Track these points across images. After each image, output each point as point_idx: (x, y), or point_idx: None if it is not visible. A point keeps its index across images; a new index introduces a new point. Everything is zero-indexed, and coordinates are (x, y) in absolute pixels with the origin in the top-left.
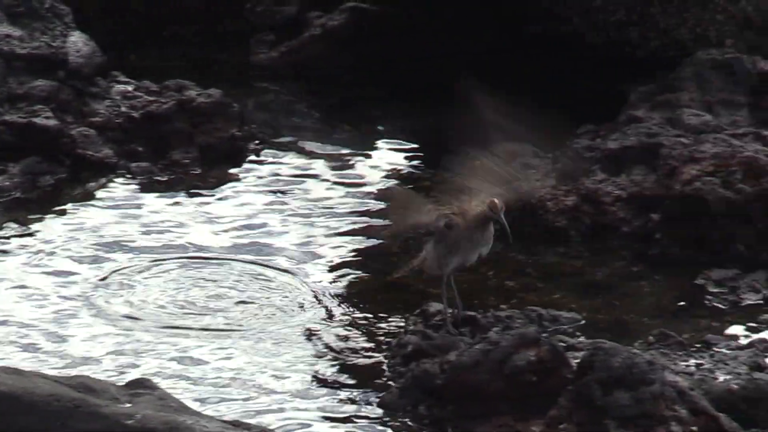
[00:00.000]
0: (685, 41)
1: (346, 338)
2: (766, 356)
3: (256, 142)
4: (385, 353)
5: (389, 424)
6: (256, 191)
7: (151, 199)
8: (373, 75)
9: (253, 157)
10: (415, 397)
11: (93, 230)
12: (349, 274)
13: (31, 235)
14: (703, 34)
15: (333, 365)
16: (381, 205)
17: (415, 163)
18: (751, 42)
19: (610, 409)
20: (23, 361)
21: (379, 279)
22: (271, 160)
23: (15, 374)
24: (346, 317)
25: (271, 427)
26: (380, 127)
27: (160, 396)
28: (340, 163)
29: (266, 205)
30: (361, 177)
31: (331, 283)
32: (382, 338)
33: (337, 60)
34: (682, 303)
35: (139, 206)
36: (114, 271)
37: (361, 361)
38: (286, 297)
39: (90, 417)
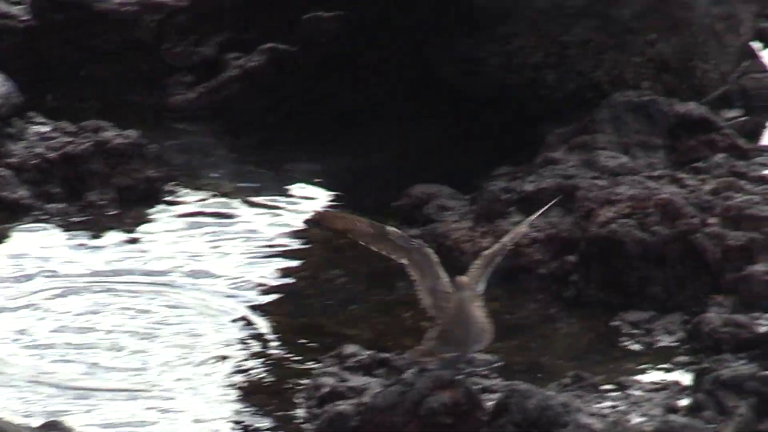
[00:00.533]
0: (602, 83)
1: (260, 379)
2: (680, 398)
3: (173, 183)
4: (300, 395)
5: None
6: (173, 233)
7: (65, 240)
8: (290, 116)
9: (170, 198)
10: None
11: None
12: (264, 315)
13: None
14: (620, 76)
15: (248, 407)
16: (298, 247)
17: (331, 203)
18: (668, 84)
19: None
20: None
21: (295, 320)
22: (188, 201)
23: None
24: (262, 359)
25: None
26: (297, 168)
27: None
28: (257, 205)
29: (182, 246)
30: (278, 219)
31: (246, 324)
32: (297, 380)
33: (254, 101)
34: (597, 345)
35: (52, 248)
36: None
37: (277, 402)
38: (201, 339)
39: None
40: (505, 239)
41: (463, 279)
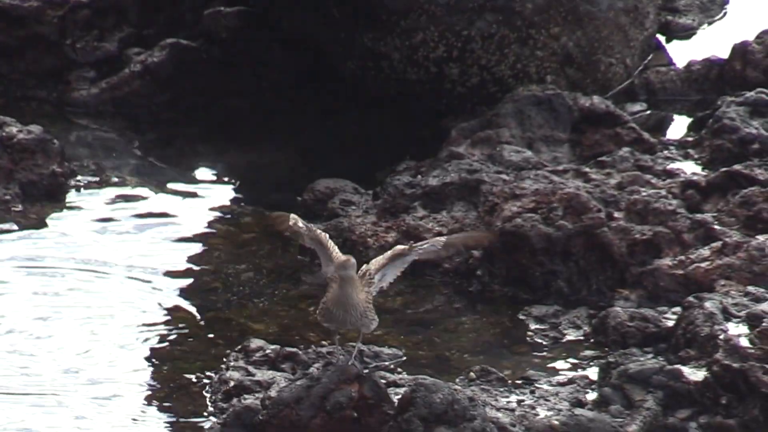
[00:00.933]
0: (505, 77)
1: (166, 373)
2: (587, 392)
3: (77, 178)
4: (206, 389)
5: None
6: (78, 228)
7: None
8: (192, 112)
9: (74, 194)
10: None
11: None
12: (170, 310)
13: None
14: (524, 71)
15: (153, 402)
16: (202, 242)
17: (235, 198)
18: (572, 78)
19: None
20: None
21: (200, 314)
22: (92, 196)
23: None
24: (167, 353)
25: None
26: (200, 164)
27: None
28: (160, 199)
29: (87, 241)
30: (181, 213)
31: (151, 319)
32: (203, 374)
33: (156, 97)
34: (503, 339)
35: None
36: None
37: (182, 397)
38: (102, 334)
39: None
40: (420, 244)
41: (347, 258)
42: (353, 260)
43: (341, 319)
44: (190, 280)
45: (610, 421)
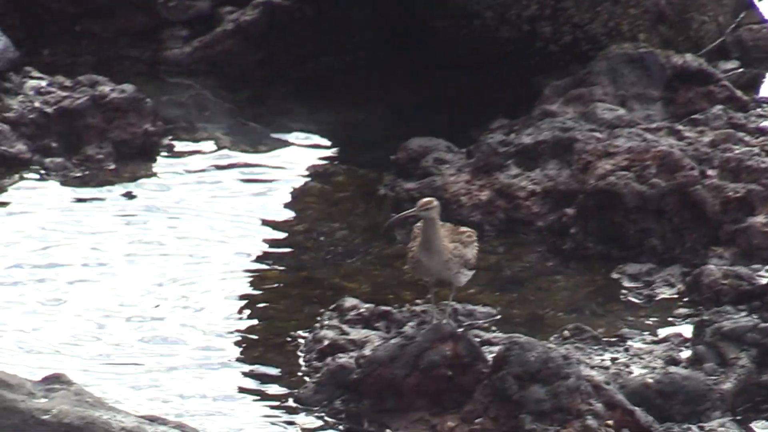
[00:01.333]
0: (598, 36)
1: (260, 333)
2: (680, 350)
3: (170, 137)
4: (300, 348)
5: (305, 419)
6: (170, 186)
7: (65, 195)
8: (284, 70)
9: (166, 153)
10: (330, 392)
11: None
12: (264, 269)
13: None
14: (617, 29)
15: (248, 362)
16: (295, 201)
17: (327, 157)
18: (665, 36)
19: (526, 404)
20: None
21: (294, 274)
22: (184, 154)
23: None
24: (261, 312)
25: (186, 423)
26: (292, 122)
27: (77, 391)
28: (253, 158)
29: (180, 200)
30: (274, 172)
31: (245, 278)
32: (297, 333)
33: (249, 55)
34: (597, 298)
35: (53, 202)
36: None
37: (276, 356)
38: (201, 292)
39: (5, 412)
40: None
41: (428, 200)
42: (435, 201)
43: (426, 266)
44: (284, 239)
45: (704, 379)
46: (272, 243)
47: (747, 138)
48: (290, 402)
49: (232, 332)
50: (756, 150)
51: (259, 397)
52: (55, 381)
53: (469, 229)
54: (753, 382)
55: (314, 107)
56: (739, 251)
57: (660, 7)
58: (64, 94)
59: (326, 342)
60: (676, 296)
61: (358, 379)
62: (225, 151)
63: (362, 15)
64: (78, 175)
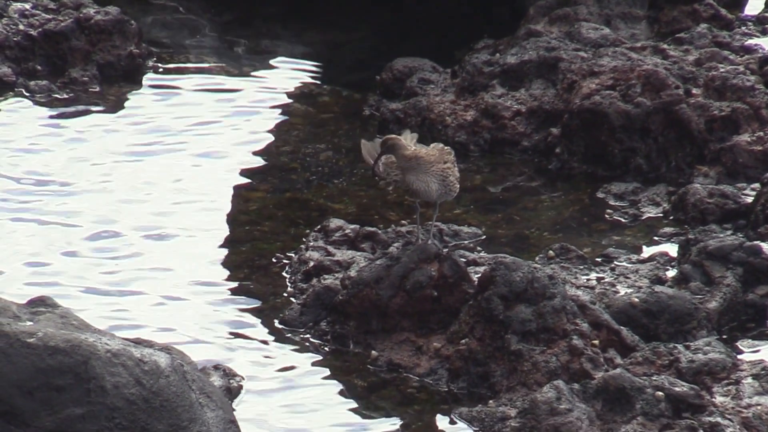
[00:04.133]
0: None
1: (245, 255)
2: (666, 269)
3: (154, 59)
4: (285, 270)
5: (291, 340)
6: (155, 109)
7: (50, 117)
8: None
9: (151, 75)
10: (316, 313)
11: None
12: (248, 191)
13: None
14: None
15: (233, 282)
16: (280, 122)
17: (312, 78)
18: None
19: (512, 324)
20: None
21: (279, 195)
22: (169, 77)
23: None
24: (246, 234)
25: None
26: (278, 44)
27: (62, 314)
28: (238, 80)
29: (164, 122)
30: (259, 94)
31: (229, 199)
32: (282, 255)
33: None
34: (582, 217)
35: (37, 124)
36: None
37: (262, 278)
38: (186, 215)
39: None
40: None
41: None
42: (393, 137)
43: (425, 191)
44: (269, 160)
45: (690, 298)
46: (257, 164)
47: (732, 56)
48: (276, 323)
49: (217, 255)
50: (741, 68)
51: (244, 320)
52: (40, 304)
53: (448, 148)
54: (738, 301)
55: (300, 29)
56: (724, 170)
57: None
58: (49, 16)
59: (312, 263)
60: (661, 215)
61: (343, 301)
62: (209, 74)
63: None
64: (63, 97)
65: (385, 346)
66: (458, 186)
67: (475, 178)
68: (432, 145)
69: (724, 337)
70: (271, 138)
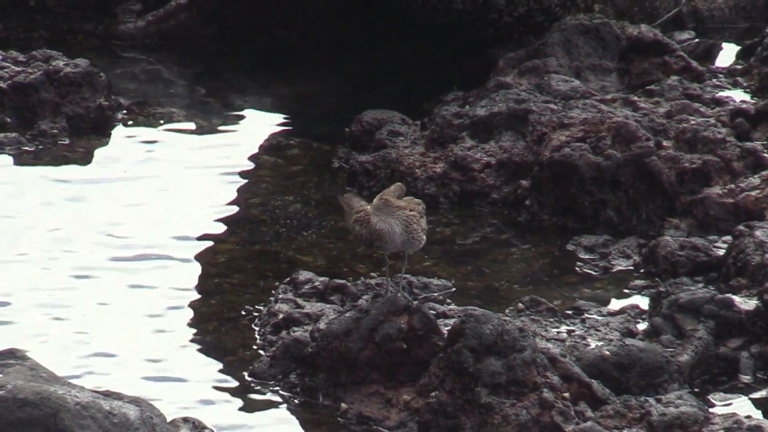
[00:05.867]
0: (552, 6)
1: (214, 308)
2: (637, 322)
3: (124, 111)
4: (255, 323)
5: (261, 392)
6: (124, 161)
7: (19, 170)
8: (238, 44)
9: (121, 127)
10: (285, 366)
11: None
12: (217, 243)
13: None
14: (571, 0)
15: (202, 336)
16: (250, 174)
17: (282, 131)
18: (620, 7)
19: (482, 376)
20: None
21: (248, 247)
22: (138, 128)
23: None
24: (215, 286)
25: (141, 398)
26: (246, 96)
27: (31, 366)
28: (207, 132)
29: (134, 175)
30: (229, 146)
31: (198, 251)
32: (251, 307)
33: (203, 29)
34: (552, 270)
35: (7, 177)
36: None
37: (231, 331)
38: (154, 267)
39: None
40: None
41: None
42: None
43: (388, 234)
44: (238, 213)
45: (662, 351)
46: (226, 217)
47: (703, 108)
48: (245, 376)
49: (185, 307)
50: (712, 121)
51: (214, 372)
52: (9, 356)
53: (418, 200)
54: (710, 354)
55: (268, 80)
56: (696, 222)
57: None
58: (18, 69)
59: (281, 315)
60: (632, 268)
61: (313, 353)
62: (179, 125)
63: None
64: (32, 149)
65: (354, 399)
66: (424, 238)
67: (445, 230)
68: (405, 198)
69: (696, 390)
70: (240, 190)
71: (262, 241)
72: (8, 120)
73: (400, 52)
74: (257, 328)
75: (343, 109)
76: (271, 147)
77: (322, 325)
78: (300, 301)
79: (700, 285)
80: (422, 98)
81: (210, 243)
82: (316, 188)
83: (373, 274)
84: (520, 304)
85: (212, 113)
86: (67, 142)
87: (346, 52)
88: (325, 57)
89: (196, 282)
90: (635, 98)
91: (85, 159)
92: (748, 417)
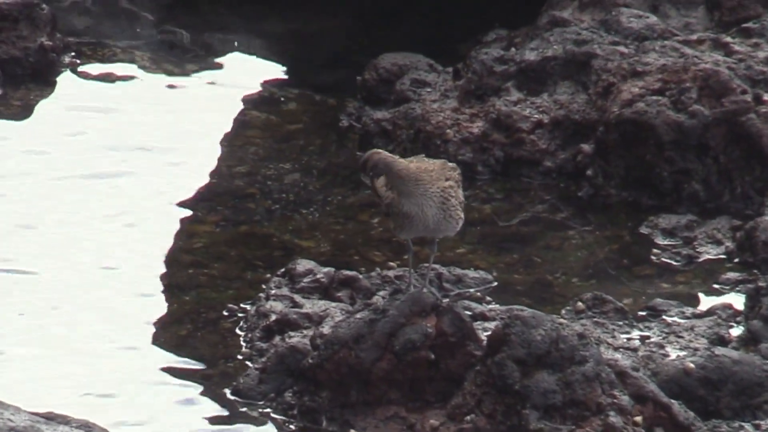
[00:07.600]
0: None
1: (188, 307)
2: (730, 326)
3: (72, 54)
4: (240, 326)
5: (247, 416)
6: (71, 118)
7: None
8: None
9: (68, 74)
10: (279, 381)
11: None
12: (191, 223)
13: None
14: None
15: (173, 343)
16: (233, 136)
17: (274, 79)
18: None
19: (531, 395)
20: None
21: (231, 229)
22: (90, 77)
23: None
24: (189, 280)
25: (99, 424)
26: (229, 35)
27: None
28: (179, 81)
29: (84, 137)
30: (207, 99)
31: (166, 234)
32: (235, 306)
33: None
34: (621, 259)
35: None
36: None
37: (209, 336)
38: (115, 256)
39: None
40: None
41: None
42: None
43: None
44: (218, 185)
45: (761, 364)
46: (204, 191)
47: None
48: (228, 394)
49: (151, 307)
50: None
51: (187, 390)
52: None
53: (453, 164)
54: None
55: (258, 15)
56: None
57: None
58: None
59: (273, 317)
60: (723, 257)
61: (314, 365)
62: (143, 73)
63: None
64: None
65: (367, 424)
66: (462, 216)
67: (484, 207)
68: (436, 162)
69: None
70: (222, 157)
71: (250, 221)
72: None
73: None
74: (243, 333)
75: (354, 52)
76: (262, 100)
77: (326, 329)
78: (298, 298)
79: None
80: (455, 38)
81: (182, 223)
82: (319, 153)
83: (391, 263)
84: (580, 304)
85: (186, 57)
86: None
87: None
88: None
89: (163, 274)
90: (728, 39)
91: (23, 114)
92: None
